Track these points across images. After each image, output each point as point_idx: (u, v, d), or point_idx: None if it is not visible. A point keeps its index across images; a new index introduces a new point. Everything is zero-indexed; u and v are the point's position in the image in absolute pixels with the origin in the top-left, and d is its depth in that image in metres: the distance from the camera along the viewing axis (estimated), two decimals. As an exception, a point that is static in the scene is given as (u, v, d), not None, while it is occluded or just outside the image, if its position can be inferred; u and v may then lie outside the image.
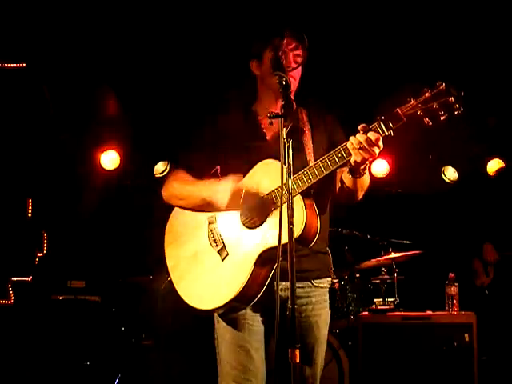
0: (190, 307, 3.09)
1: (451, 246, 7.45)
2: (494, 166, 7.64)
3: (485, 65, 6.57)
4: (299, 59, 3.15)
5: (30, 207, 7.01)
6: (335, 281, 5.89)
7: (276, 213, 2.94)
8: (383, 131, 2.77)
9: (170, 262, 3.23)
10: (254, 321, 3.10)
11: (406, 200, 7.61)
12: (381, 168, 7.51)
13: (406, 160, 7.45)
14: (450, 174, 7.71)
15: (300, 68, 3.17)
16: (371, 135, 2.76)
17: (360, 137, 2.78)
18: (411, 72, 6.34)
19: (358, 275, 6.42)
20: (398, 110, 2.77)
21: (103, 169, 7.46)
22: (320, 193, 3.04)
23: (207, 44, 6.47)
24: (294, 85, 3.15)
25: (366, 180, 3.03)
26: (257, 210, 3.02)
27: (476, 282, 7.26)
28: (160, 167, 7.40)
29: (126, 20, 6.31)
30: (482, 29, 6.28)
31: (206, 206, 3.14)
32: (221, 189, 3.05)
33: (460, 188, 7.70)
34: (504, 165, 7.53)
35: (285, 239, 2.51)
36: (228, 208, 3.04)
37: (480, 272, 7.21)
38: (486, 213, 7.52)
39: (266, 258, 2.95)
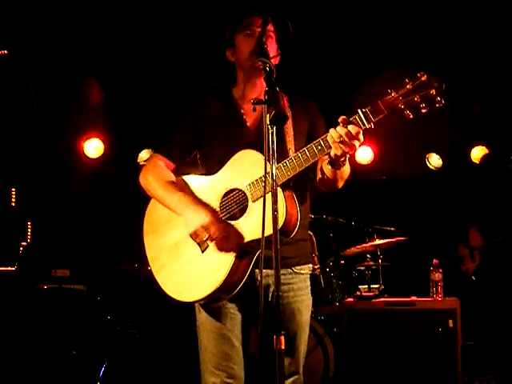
0: (171, 298, 3.08)
1: (435, 233, 7.49)
2: (478, 152, 7.68)
3: (469, 51, 6.57)
4: (272, 34, 3.13)
5: (14, 196, 6.96)
6: (316, 267, 5.89)
7: (254, 205, 2.94)
8: (364, 124, 2.73)
9: (149, 253, 3.21)
10: (235, 309, 3.09)
11: (390, 187, 7.65)
12: (365, 155, 7.53)
13: (390, 147, 7.47)
14: (435, 160, 7.74)
15: (273, 44, 3.14)
16: (351, 128, 2.72)
17: (340, 130, 2.73)
18: (392, 59, 6.34)
19: (342, 262, 6.44)
20: (378, 102, 2.72)
21: (87, 157, 7.43)
22: (299, 182, 3.03)
23: (186, 32, 6.45)
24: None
25: (346, 170, 2.99)
26: (236, 201, 3.02)
27: (461, 267, 7.30)
28: (144, 155, 7.38)
29: (109, 8, 6.26)
30: (466, 15, 6.28)
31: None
32: (189, 216, 3.01)
33: (444, 175, 7.73)
34: (488, 151, 7.57)
35: (268, 231, 2.49)
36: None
37: (466, 258, 7.25)
38: (470, 199, 7.56)
39: (246, 249, 2.94)
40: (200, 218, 2.97)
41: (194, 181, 3.20)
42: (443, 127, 7.07)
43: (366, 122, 2.72)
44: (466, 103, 7.00)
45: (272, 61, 2.89)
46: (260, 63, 2.82)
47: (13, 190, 7.00)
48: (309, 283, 3.22)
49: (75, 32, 6.47)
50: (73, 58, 6.72)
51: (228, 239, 2.96)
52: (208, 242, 2.98)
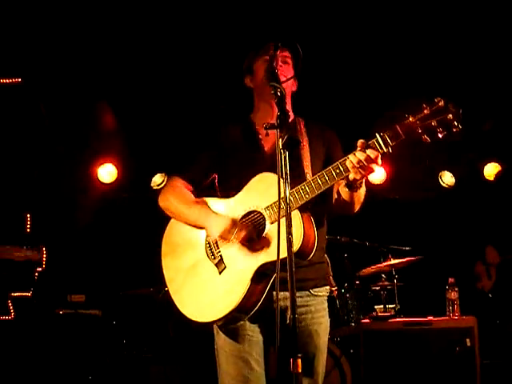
0: (188, 319, 3.10)
1: (450, 251, 7.46)
2: (491, 169, 7.68)
3: (479, 67, 6.60)
4: (288, 60, 3.22)
5: (29, 222, 7.02)
6: (334, 289, 5.90)
7: (272, 227, 2.96)
8: (382, 148, 2.76)
9: (167, 274, 3.24)
10: (254, 331, 3.11)
11: (404, 206, 7.64)
12: (378, 175, 7.53)
13: (403, 166, 7.48)
14: (448, 178, 7.74)
15: (290, 70, 3.22)
16: (370, 153, 2.76)
17: (360, 155, 2.77)
18: (404, 78, 6.39)
19: (357, 282, 6.42)
20: (396, 126, 2.76)
21: (100, 182, 7.49)
22: (317, 205, 3.06)
23: (205, 57, 6.52)
24: (287, 87, 3.14)
25: (362, 192, 3.03)
26: (254, 223, 3.05)
27: (478, 285, 7.27)
28: (157, 179, 7.44)
29: (122, 34, 6.35)
30: (477, 33, 6.32)
31: (198, 228, 3.19)
32: (213, 222, 3.09)
33: (458, 192, 7.72)
34: (500, 168, 7.57)
35: (283, 253, 2.51)
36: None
37: (482, 275, 7.23)
38: (486, 216, 7.55)
39: (262, 272, 2.97)
40: (224, 221, 3.05)
41: (212, 202, 3.24)
42: (455, 145, 7.08)
43: (383, 146, 2.76)
44: (477, 119, 7.01)
45: (285, 85, 2.92)
46: (271, 88, 2.84)
47: (28, 215, 7.06)
48: (326, 305, 3.24)
49: (89, 57, 6.56)
50: (87, 83, 6.80)
51: (245, 261, 2.99)
52: (233, 240, 3.02)
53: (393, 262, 6.24)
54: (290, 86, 3.23)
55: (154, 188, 7.38)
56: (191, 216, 3.19)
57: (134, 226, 7.33)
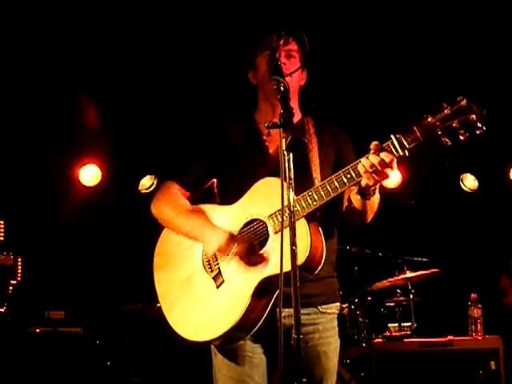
0: (182, 338, 3.10)
1: (473, 263, 7.49)
2: (517, 172, 7.70)
3: (504, 64, 6.64)
4: (294, 53, 3.22)
5: (2, 230, 7.03)
6: (344, 306, 5.93)
7: (276, 237, 2.96)
8: (397, 151, 2.75)
9: (159, 288, 3.25)
10: (255, 352, 3.11)
11: (421, 212, 7.66)
12: (393, 178, 7.54)
13: (420, 168, 7.50)
14: (470, 182, 7.76)
15: (296, 65, 3.21)
16: (385, 156, 2.75)
17: (373, 159, 2.76)
18: (424, 77, 6.43)
19: (369, 298, 6.45)
20: (414, 127, 2.75)
21: (82, 185, 7.51)
22: (326, 214, 3.07)
23: (200, 46, 6.54)
24: (292, 86, 3.12)
25: (376, 200, 3.03)
26: (256, 232, 3.06)
27: (503, 301, 7.29)
28: (146, 182, 7.46)
29: (107, 20, 6.36)
30: (495, 31, 6.36)
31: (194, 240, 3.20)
32: (209, 236, 3.09)
33: (481, 197, 7.75)
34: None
35: (287, 267, 2.52)
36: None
37: (508, 290, 7.25)
38: (511, 224, 7.57)
39: (265, 286, 2.97)
40: (221, 236, 3.05)
41: (210, 210, 3.24)
42: (478, 145, 7.11)
43: (399, 149, 2.75)
44: (502, 118, 7.04)
45: (289, 80, 2.92)
46: (274, 82, 2.82)
47: (0, 222, 7.07)
48: (336, 324, 3.24)
49: (70, 45, 6.56)
50: (67, 74, 6.81)
51: (245, 274, 3.00)
52: (231, 257, 3.03)
53: (409, 275, 6.27)
54: (296, 81, 3.23)
55: (143, 192, 7.39)
56: (186, 227, 3.19)
57: (121, 234, 7.35)
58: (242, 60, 3.39)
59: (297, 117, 3.17)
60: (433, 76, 6.47)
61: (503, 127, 7.19)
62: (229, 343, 3.09)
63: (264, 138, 3.29)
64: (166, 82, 6.93)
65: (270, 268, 2.95)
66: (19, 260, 7.02)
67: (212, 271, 3.12)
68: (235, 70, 3.53)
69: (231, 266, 3.07)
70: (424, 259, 6.55)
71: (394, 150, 2.76)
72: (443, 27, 6.34)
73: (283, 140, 2.61)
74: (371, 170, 2.78)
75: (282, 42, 3.16)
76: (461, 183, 7.77)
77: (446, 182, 7.78)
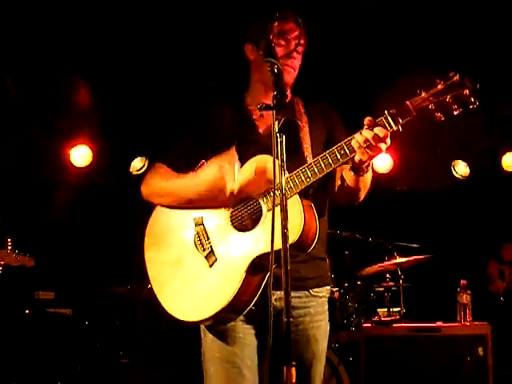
0: (174, 319, 3.09)
1: (463, 250, 7.51)
2: (510, 159, 7.71)
3: (498, 50, 6.62)
4: (301, 49, 3.23)
5: (-8, 210, 7.01)
6: (334, 289, 5.93)
7: (269, 214, 2.93)
8: (391, 126, 2.79)
9: (150, 268, 3.23)
10: (246, 334, 3.11)
11: (412, 198, 7.67)
12: (383, 163, 7.55)
13: (412, 153, 7.50)
14: (461, 168, 7.78)
15: (300, 58, 3.24)
16: (378, 131, 2.78)
17: (366, 133, 2.79)
18: (414, 59, 6.40)
19: (359, 283, 6.48)
20: (407, 102, 2.78)
21: (73, 166, 7.49)
22: (318, 192, 3.08)
23: (192, 26, 6.50)
24: (293, 76, 3.21)
25: (368, 178, 3.06)
26: (248, 211, 3.06)
27: (490, 287, 7.32)
28: (137, 163, 7.44)
29: (99, 7, 6.32)
30: (492, 11, 6.34)
31: (197, 202, 3.15)
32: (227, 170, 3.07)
33: (472, 184, 7.76)
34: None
35: (279, 245, 2.52)
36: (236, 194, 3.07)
37: (495, 276, 7.27)
38: (503, 211, 7.59)
39: (259, 265, 2.96)
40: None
41: None
42: (471, 131, 7.11)
43: (393, 124, 2.79)
44: (495, 105, 7.04)
45: (282, 62, 2.98)
46: (268, 64, 2.85)
47: (-10, 203, 7.05)
48: (327, 308, 3.25)
49: (60, 25, 6.51)
50: (59, 57, 6.76)
51: (239, 252, 3.00)
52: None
53: (399, 260, 6.29)
54: (295, 66, 3.24)
55: (134, 173, 7.38)
56: (190, 184, 3.16)
57: (111, 215, 7.34)
58: (237, 37, 3.35)
59: (287, 98, 3.17)
60: (423, 52, 6.44)
61: (496, 114, 7.20)
62: (220, 324, 3.09)
63: (254, 117, 3.28)
64: (158, 63, 6.88)
65: (265, 245, 2.95)
66: (9, 241, 7.01)
67: (204, 250, 3.11)
68: (226, 51, 3.49)
69: (224, 245, 3.07)
70: (414, 245, 6.56)
71: (387, 125, 2.80)
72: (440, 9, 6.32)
73: (276, 122, 2.61)
74: (365, 145, 2.81)
75: (286, 27, 3.17)
76: (452, 170, 7.78)
77: (437, 168, 7.77)
